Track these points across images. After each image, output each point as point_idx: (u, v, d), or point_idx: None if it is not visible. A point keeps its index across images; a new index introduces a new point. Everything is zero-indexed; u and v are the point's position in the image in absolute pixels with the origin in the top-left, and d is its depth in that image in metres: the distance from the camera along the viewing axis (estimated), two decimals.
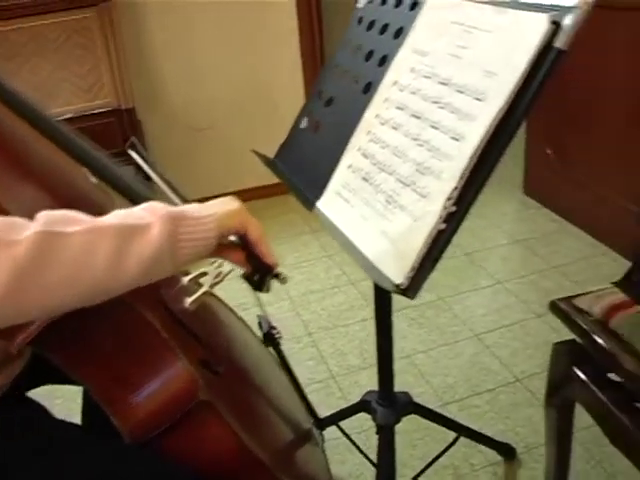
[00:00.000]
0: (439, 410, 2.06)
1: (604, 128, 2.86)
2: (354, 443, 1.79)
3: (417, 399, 1.95)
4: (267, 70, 3.46)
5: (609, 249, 2.90)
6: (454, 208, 0.92)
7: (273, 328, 1.37)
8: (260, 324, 1.37)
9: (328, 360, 2.35)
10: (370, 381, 2.16)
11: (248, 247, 0.97)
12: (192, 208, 0.89)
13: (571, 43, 0.88)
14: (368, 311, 2.54)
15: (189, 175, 3.28)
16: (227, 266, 1.02)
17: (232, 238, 0.96)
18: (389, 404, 1.57)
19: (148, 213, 0.83)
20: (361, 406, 1.65)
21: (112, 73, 2.79)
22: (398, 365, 2.31)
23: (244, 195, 3.20)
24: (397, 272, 0.95)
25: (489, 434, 1.93)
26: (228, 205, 0.93)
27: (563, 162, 3.21)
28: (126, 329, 0.94)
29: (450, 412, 2.07)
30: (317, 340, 2.46)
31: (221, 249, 0.94)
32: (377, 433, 1.58)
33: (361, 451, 1.77)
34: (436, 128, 1.02)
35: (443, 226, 0.93)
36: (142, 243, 0.79)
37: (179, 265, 0.85)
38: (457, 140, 0.96)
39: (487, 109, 0.93)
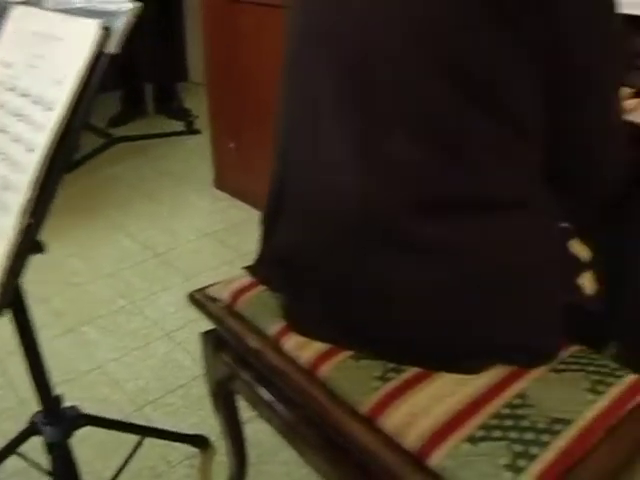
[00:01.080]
0: (135, 415, 2.06)
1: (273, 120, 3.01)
2: (40, 467, 1.72)
3: (112, 408, 1.95)
4: None
5: None
6: (31, 220, 0.92)
7: None
8: None
9: (19, 386, 2.24)
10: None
11: None
12: None
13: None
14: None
15: None
16: None
17: None
18: (55, 421, 1.53)
19: None
20: (30, 430, 1.59)
21: None
22: (91, 377, 2.28)
23: None
24: None
25: (184, 428, 1.95)
26: None
27: (244, 154, 3.35)
28: None
29: (145, 414, 2.07)
30: (7, 366, 2.34)
31: None
32: (49, 453, 1.53)
33: (49, 472, 1.71)
34: (17, 141, 1.01)
35: (22, 238, 0.92)
36: None
37: None
38: (32, 152, 0.96)
39: (54, 118, 0.94)
